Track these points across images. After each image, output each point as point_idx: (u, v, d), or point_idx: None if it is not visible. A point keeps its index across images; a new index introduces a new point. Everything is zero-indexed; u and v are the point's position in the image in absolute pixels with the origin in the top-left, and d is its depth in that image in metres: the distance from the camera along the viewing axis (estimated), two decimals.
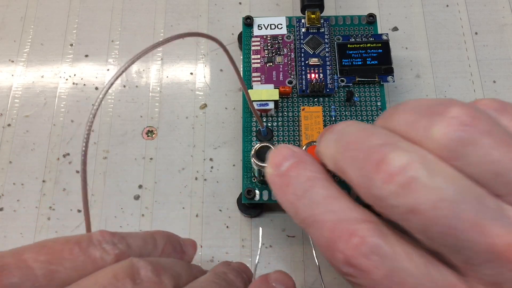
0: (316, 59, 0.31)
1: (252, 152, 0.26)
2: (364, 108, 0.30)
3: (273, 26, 0.32)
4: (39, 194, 0.30)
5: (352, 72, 0.30)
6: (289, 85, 0.30)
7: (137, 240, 0.18)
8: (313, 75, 0.30)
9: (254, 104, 0.28)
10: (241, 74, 0.31)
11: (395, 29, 0.35)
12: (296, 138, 0.29)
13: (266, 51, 0.31)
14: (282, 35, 0.31)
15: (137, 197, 0.30)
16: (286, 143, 0.29)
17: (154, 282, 0.16)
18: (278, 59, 0.31)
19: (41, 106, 0.33)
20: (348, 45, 0.31)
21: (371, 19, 0.32)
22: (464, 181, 0.15)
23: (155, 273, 0.16)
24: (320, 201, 0.18)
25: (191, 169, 0.31)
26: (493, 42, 0.34)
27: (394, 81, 0.30)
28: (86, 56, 0.34)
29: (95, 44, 0.35)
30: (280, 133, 0.30)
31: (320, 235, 0.17)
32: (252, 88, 0.30)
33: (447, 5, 0.35)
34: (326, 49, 0.31)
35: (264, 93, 0.29)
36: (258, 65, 0.31)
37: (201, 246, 0.29)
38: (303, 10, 0.32)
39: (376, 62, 0.31)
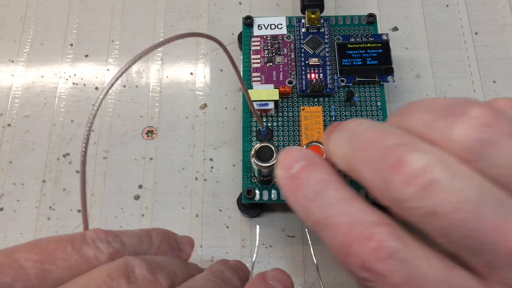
0: (316, 59, 0.31)
1: (252, 152, 0.26)
2: (364, 108, 0.30)
3: (273, 26, 0.32)
4: (39, 194, 0.30)
5: (352, 72, 0.30)
6: (289, 85, 0.30)
7: (131, 238, 0.18)
8: (313, 75, 0.30)
9: (254, 104, 0.28)
10: (241, 74, 0.31)
11: (395, 29, 0.35)
12: (296, 138, 0.29)
13: (266, 51, 0.31)
14: (282, 35, 0.31)
15: (137, 197, 0.30)
16: (286, 143, 0.29)
17: (149, 280, 0.16)
18: (278, 59, 0.31)
19: (41, 106, 0.33)
20: (348, 45, 0.31)
21: (371, 19, 0.32)
22: (486, 183, 0.15)
23: (150, 271, 0.16)
24: (332, 204, 0.17)
25: (191, 169, 0.31)
26: (493, 42, 0.34)
27: (394, 81, 0.30)
28: (86, 56, 0.34)
29: (95, 44, 0.35)
30: (280, 133, 0.30)
31: (334, 238, 0.17)
32: (252, 88, 0.30)
33: (447, 5, 0.35)
34: (326, 49, 0.31)
35: (264, 93, 0.29)
36: (258, 65, 0.31)
37: (201, 246, 0.29)
38: (303, 10, 0.32)
39: (376, 62, 0.31)
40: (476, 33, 0.35)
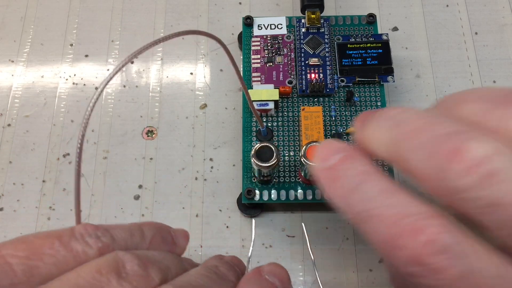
0: (316, 59, 0.31)
1: (252, 152, 0.26)
2: (364, 108, 0.30)
3: (273, 26, 0.32)
4: (39, 194, 0.30)
5: (352, 72, 0.30)
6: (289, 85, 0.30)
7: (122, 232, 0.18)
8: (313, 75, 0.30)
9: (254, 104, 0.28)
10: (241, 74, 0.31)
11: (395, 29, 0.35)
12: (296, 138, 0.29)
13: (266, 51, 0.31)
14: (282, 35, 0.31)
15: (137, 197, 0.30)
16: (286, 143, 0.29)
17: (140, 275, 0.16)
18: (278, 59, 0.31)
19: (41, 106, 0.33)
20: (348, 45, 0.31)
21: (371, 19, 0.32)
22: None
23: (142, 266, 0.16)
24: (375, 195, 0.17)
25: (191, 169, 0.31)
26: (493, 42, 0.34)
27: (394, 81, 0.30)
28: (86, 56, 0.34)
29: (95, 44, 0.35)
30: (280, 133, 0.30)
31: (377, 231, 0.16)
32: (252, 88, 0.30)
33: (447, 5, 0.35)
34: (326, 49, 0.31)
35: (264, 93, 0.29)
36: (258, 65, 0.31)
37: (201, 246, 0.29)
38: (303, 10, 0.32)
39: (376, 62, 0.31)
40: (476, 33, 0.35)
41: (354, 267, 0.28)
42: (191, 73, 0.34)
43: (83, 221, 0.18)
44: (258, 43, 0.31)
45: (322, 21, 0.32)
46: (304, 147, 0.26)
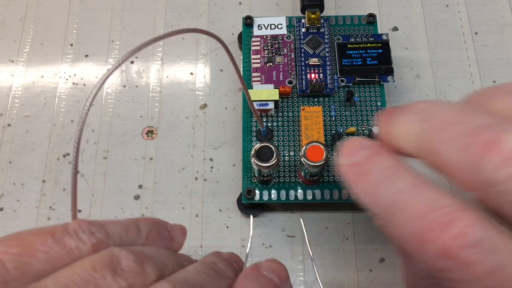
0: (316, 59, 0.31)
1: (252, 152, 0.26)
2: (364, 108, 0.30)
3: (273, 26, 0.32)
4: (39, 194, 0.30)
5: (352, 72, 0.30)
6: (289, 85, 0.30)
7: (117, 228, 0.17)
8: (313, 75, 0.30)
9: (254, 104, 0.28)
10: (241, 74, 0.31)
11: (395, 29, 0.35)
12: (296, 138, 0.29)
13: (266, 51, 0.31)
14: (282, 35, 0.31)
15: (137, 197, 0.30)
16: (286, 143, 0.29)
17: (136, 272, 0.15)
18: (278, 59, 0.31)
19: (41, 106, 0.33)
20: (348, 45, 0.31)
21: (371, 19, 0.32)
22: None
23: (137, 262, 0.15)
24: (404, 189, 0.16)
25: (191, 169, 0.31)
26: (493, 42, 0.34)
27: (394, 81, 0.30)
28: (86, 56, 0.34)
29: (95, 44, 0.35)
30: (280, 133, 0.30)
31: (405, 225, 0.16)
32: (252, 88, 0.30)
33: (447, 5, 0.35)
34: (326, 49, 0.31)
35: (264, 93, 0.29)
36: (258, 65, 0.31)
37: (201, 246, 0.29)
38: (303, 10, 0.32)
39: (376, 62, 0.31)
40: (476, 33, 0.35)
41: (354, 267, 0.28)
42: (191, 73, 0.34)
43: None
44: (258, 43, 0.31)
45: (322, 21, 0.32)
46: (304, 147, 0.26)
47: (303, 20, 0.32)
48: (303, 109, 0.29)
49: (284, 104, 0.30)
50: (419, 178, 0.17)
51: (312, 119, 0.29)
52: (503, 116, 0.16)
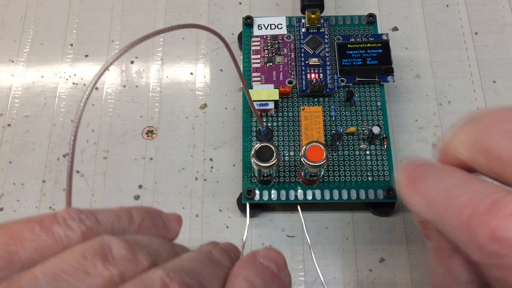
0: (316, 59, 0.31)
1: (252, 152, 0.26)
2: (364, 108, 0.30)
3: (273, 26, 0.32)
4: (39, 194, 0.30)
5: (352, 72, 0.30)
6: (289, 85, 0.30)
7: (108, 216, 0.17)
8: (313, 75, 0.30)
9: (254, 104, 0.28)
10: (241, 71, 0.31)
11: (395, 29, 0.35)
12: (296, 138, 0.29)
13: (266, 51, 0.31)
14: (282, 35, 0.31)
15: (137, 197, 0.30)
16: (286, 143, 0.29)
17: (128, 259, 0.15)
18: (278, 59, 0.31)
19: (41, 106, 0.33)
20: (348, 45, 0.31)
21: (371, 19, 0.32)
22: None
23: (129, 250, 0.15)
24: (453, 184, 0.17)
25: (191, 169, 0.31)
26: (493, 42, 0.34)
27: (394, 81, 0.30)
28: (86, 56, 0.34)
29: (95, 44, 0.35)
30: (280, 133, 0.30)
31: (456, 214, 0.16)
32: (252, 88, 0.30)
33: (447, 5, 0.35)
34: (326, 49, 0.31)
35: (264, 93, 0.29)
36: (258, 65, 0.31)
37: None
38: (303, 10, 0.32)
39: (376, 62, 0.31)
40: (476, 33, 0.34)
41: (354, 267, 0.28)
42: (191, 73, 0.34)
43: None
44: (258, 43, 0.31)
45: (322, 21, 0.32)
46: (304, 147, 0.26)
47: (303, 20, 0.32)
48: (303, 109, 0.29)
49: (284, 104, 0.30)
50: (468, 174, 0.18)
51: (312, 119, 0.29)
52: None
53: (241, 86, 0.32)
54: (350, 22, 0.33)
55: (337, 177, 0.29)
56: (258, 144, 0.26)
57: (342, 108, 0.30)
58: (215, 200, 0.30)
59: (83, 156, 0.31)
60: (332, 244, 0.29)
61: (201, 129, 0.32)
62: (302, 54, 0.31)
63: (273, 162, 0.26)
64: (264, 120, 0.30)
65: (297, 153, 0.29)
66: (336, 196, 0.28)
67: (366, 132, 0.29)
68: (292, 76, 0.30)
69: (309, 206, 0.29)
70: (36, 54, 0.35)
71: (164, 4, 0.36)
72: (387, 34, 0.31)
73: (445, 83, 0.33)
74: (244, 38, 0.32)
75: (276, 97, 0.29)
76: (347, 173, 0.29)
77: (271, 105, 0.29)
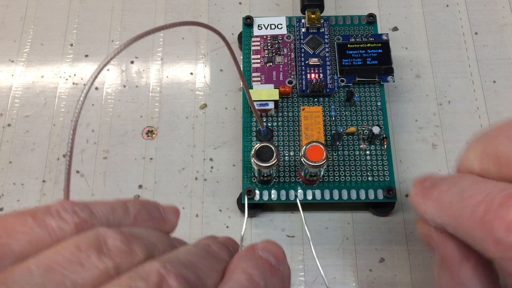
0: (316, 59, 0.31)
1: (252, 152, 0.26)
2: (364, 108, 0.30)
3: (273, 26, 0.32)
4: (39, 194, 0.30)
5: (352, 72, 0.30)
6: (289, 85, 0.30)
7: (103, 208, 0.16)
8: (313, 75, 0.30)
9: (254, 104, 0.28)
10: (241, 69, 0.31)
11: (395, 29, 0.35)
12: (296, 138, 0.29)
13: (266, 51, 0.31)
14: (282, 35, 0.31)
15: (137, 197, 0.30)
16: (286, 143, 0.29)
17: (123, 251, 0.15)
18: (278, 59, 0.31)
19: (41, 106, 0.33)
20: (348, 45, 0.31)
21: (371, 19, 0.32)
22: None
23: (125, 242, 0.15)
24: (467, 186, 0.18)
25: (191, 169, 0.31)
26: (493, 42, 0.34)
27: (394, 81, 0.30)
28: (86, 56, 0.34)
29: (95, 44, 0.35)
30: (280, 133, 0.30)
31: (471, 214, 0.17)
32: (252, 88, 0.30)
33: (447, 5, 0.35)
34: (326, 49, 0.31)
35: (264, 93, 0.29)
36: (258, 65, 0.31)
37: None
38: (303, 10, 0.32)
39: (376, 62, 0.31)
40: (476, 33, 0.34)
41: (354, 267, 0.28)
42: (191, 73, 0.34)
43: None
44: (258, 43, 0.31)
45: (322, 21, 0.32)
46: (304, 147, 0.26)
47: (303, 20, 0.32)
48: (303, 109, 0.29)
49: (284, 104, 0.30)
50: (478, 177, 0.18)
51: (312, 119, 0.29)
52: None
53: (241, 86, 0.32)
54: (350, 22, 0.33)
55: (337, 177, 0.29)
56: (258, 144, 0.26)
57: (342, 108, 0.30)
58: (215, 200, 0.30)
59: (83, 156, 0.31)
60: (332, 244, 0.29)
61: (201, 129, 0.32)
62: (302, 54, 0.31)
63: (273, 162, 0.26)
64: (264, 120, 0.30)
65: (297, 153, 0.29)
66: (336, 196, 0.28)
67: (366, 132, 0.29)
68: (292, 76, 0.30)
69: (309, 206, 0.29)
70: (36, 54, 0.35)
71: (164, 4, 0.36)
72: (387, 34, 0.31)
73: (445, 83, 0.33)
74: (244, 38, 0.32)
75: (276, 97, 0.29)
76: (347, 173, 0.29)
77: (271, 105, 0.29)
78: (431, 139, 0.31)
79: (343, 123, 0.30)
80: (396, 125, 0.32)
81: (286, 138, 0.29)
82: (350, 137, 0.29)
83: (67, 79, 0.34)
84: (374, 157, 0.29)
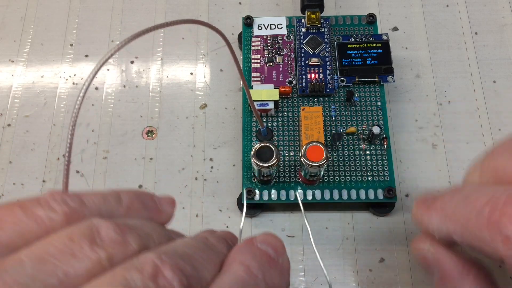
0: (316, 59, 0.31)
1: (252, 152, 0.26)
2: (364, 108, 0.30)
3: (273, 26, 0.32)
4: (39, 194, 0.30)
5: (352, 72, 0.30)
6: (289, 85, 0.30)
7: (95, 198, 0.16)
8: (313, 75, 0.30)
9: (254, 104, 0.28)
10: (241, 68, 0.31)
11: (395, 29, 0.35)
12: (296, 138, 0.29)
13: (266, 51, 0.31)
14: (282, 35, 0.31)
15: None
16: (286, 143, 0.29)
17: (117, 242, 0.14)
18: (278, 59, 0.31)
19: (41, 106, 0.33)
20: (348, 45, 0.31)
21: (371, 19, 0.32)
22: None
23: (119, 232, 0.14)
24: (470, 191, 0.18)
25: (191, 169, 0.31)
26: (493, 42, 0.34)
27: (394, 81, 0.30)
28: (86, 56, 0.34)
29: (95, 44, 0.35)
30: (280, 133, 0.30)
31: (478, 216, 0.17)
32: (252, 88, 0.30)
33: (447, 5, 0.35)
34: (326, 49, 0.31)
35: (264, 93, 0.29)
36: (258, 65, 0.31)
37: None
38: (303, 10, 0.32)
39: (376, 62, 0.31)
40: (476, 33, 0.34)
41: (354, 267, 0.28)
42: (191, 73, 0.34)
43: None
44: (258, 43, 0.31)
45: (322, 21, 0.32)
46: (304, 147, 0.26)
47: (303, 20, 0.32)
48: (303, 109, 0.29)
49: (284, 104, 0.30)
50: (480, 184, 0.19)
51: (312, 119, 0.29)
52: None
53: (241, 86, 0.32)
54: (350, 22, 0.33)
55: (337, 177, 0.29)
56: (258, 144, 0.26)
57: (342, 108, 0.30)
58: (215, 200, 0.30)
59: (83, 156, 0.31)
60: (332, 244, 0.29)
61: (201, 129, 0.32)
62: (302, 54, 0.31)
63: (273, 162, 0.26)
64: (264, 120, 0.30)
65: (297, 153, 0.29)
66: (336, 196, 0.28)
67: (366, 132, 0.29)
68: (292, 76, 0.30)
69: (309, 206, 0.29)
70: (36, 54, 0.35)
71: (164, 4, 0.36)
72: (387, 34, 0.31)
73: (445, 83, 0.33)
74: (244, 38, 0.32)
75: (276, 97, 0.29)
76: (347, 173, 0.29)
77: (271, 105, 0.29)
78: (431, 139, 0.31)
79: (343, 123, 0.30)
80: (396, 125, 0.32)
81: (286, 138, 0.29)
82: (350, 137, 0.29)
83: (67, 79, 0.34)
84: (374, 157, 0.29)
